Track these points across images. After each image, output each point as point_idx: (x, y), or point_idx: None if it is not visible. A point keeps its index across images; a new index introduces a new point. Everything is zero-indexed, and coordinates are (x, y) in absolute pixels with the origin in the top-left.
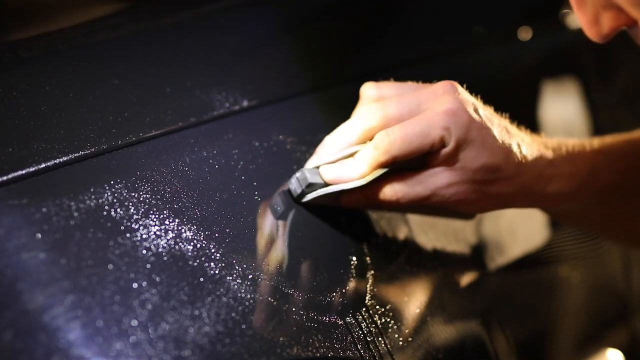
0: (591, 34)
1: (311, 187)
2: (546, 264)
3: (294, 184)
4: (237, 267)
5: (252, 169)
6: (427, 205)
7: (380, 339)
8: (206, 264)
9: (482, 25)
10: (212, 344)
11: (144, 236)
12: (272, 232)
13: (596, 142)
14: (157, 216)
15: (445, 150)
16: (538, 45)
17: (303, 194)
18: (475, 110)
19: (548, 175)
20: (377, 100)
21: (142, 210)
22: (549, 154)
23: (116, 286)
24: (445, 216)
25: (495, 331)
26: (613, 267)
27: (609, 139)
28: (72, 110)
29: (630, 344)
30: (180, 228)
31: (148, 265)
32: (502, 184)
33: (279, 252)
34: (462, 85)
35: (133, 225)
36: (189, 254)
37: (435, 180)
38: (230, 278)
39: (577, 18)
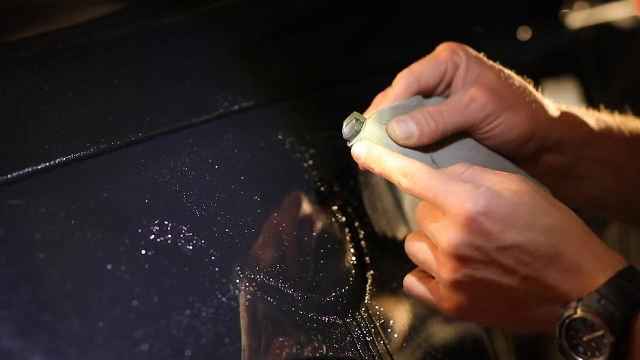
0: None
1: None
2: None
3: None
4: (236, 267)
5: (251, 169)
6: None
7: (379, 338)
8: (205, 264)
9: (482, 25)
10: (212, 344)
11: (144, 236)
12: (271, 232)
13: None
14: (156, 216)
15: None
16: (537, 45)
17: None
18: None
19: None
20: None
21: (142, 209)
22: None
23: (115, 286)
24: None
25: (494, 330)
26: None
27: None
28: (72, 110)
29: None
30: (179, 227)
31: (147, 265)
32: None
33: (278, 252)
34: None
35: (132, 225)
36: (188, 253)
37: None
38: (230, 278)
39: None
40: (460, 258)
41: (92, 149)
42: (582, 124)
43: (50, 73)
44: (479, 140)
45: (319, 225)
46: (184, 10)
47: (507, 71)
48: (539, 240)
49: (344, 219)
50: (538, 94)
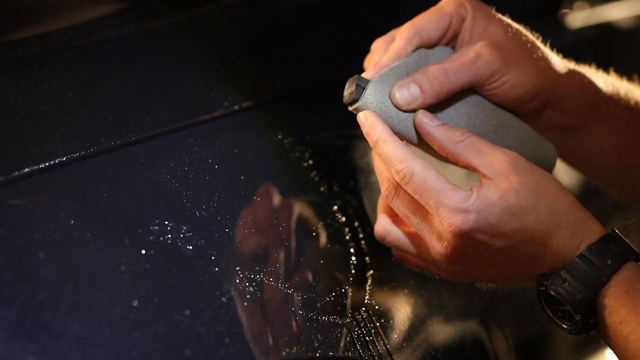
0: None
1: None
2: None
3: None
4: (236, 267)
5: (251, 169)
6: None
7: (379, 338)
8: (205, 264)
9: None
10: (212, 344)
11: (144, 236)
12: (271, 232)
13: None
14: (156, 216)
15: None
16: None
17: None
18: None
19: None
20: None
21: (142, 209)
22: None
23: (115, 286)
24: None
25: (494, 331)
26: None
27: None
28: (72, 110)
29: None
30: (179, 227)
31: (147, 266)
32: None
33: (278, 252)
34: None
35: (132, 225)
36: (188, 253)
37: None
38: (230, 278)
39: None
40: (453, 261)
41: (92, 149)
42: (590, 84)
43: (50, 73)
44: (484, 96)
45: (319, 225)
46: (184, 10)
47: (515, 25)
48: (526, 239)
49: (344, 219)
50: (546, 50)
